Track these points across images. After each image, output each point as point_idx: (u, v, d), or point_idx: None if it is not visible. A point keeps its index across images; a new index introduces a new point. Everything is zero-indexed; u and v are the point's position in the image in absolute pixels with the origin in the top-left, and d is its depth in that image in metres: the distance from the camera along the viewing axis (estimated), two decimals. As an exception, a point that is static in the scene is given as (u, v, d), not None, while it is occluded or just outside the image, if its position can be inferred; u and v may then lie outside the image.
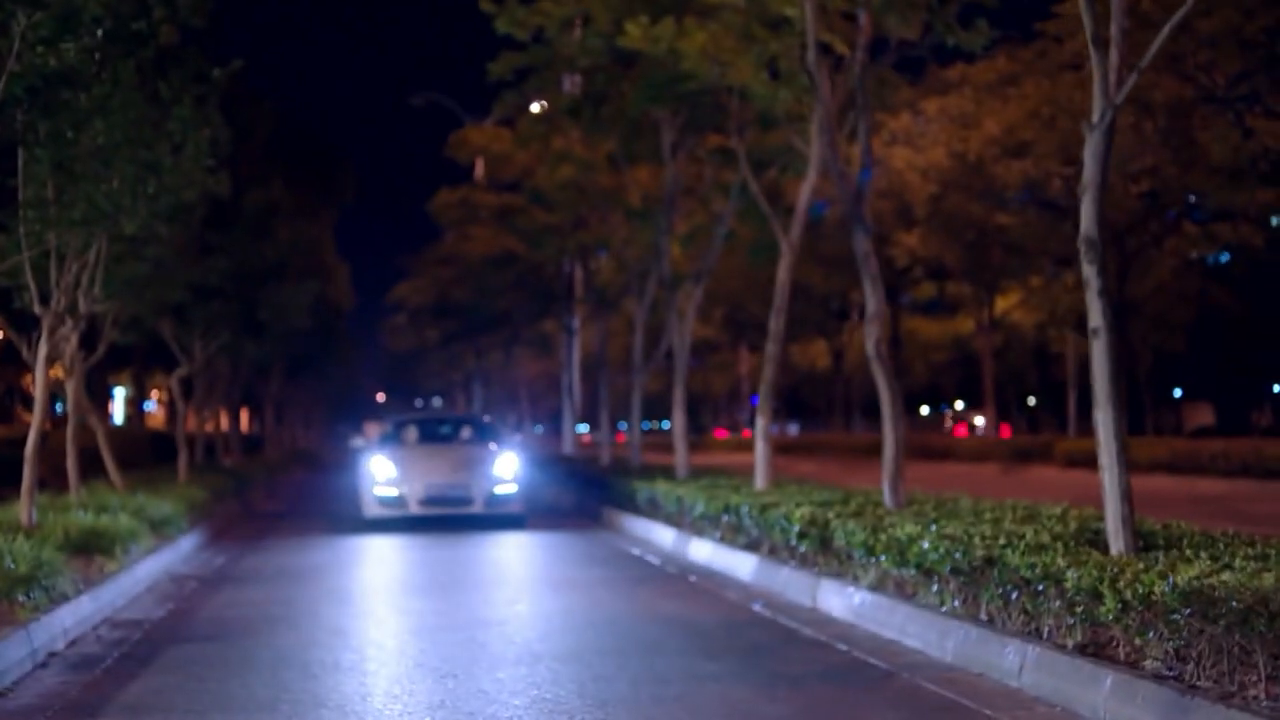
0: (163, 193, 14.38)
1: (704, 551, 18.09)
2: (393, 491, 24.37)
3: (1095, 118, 10.95)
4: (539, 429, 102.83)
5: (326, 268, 45.70)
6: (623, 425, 66.20)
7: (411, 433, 27.59)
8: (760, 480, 20.49)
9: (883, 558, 12.38)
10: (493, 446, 26.33)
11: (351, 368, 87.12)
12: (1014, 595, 10.19)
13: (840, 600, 13.07)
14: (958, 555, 10.84)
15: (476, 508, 24.35)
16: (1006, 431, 76.12)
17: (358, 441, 29.76)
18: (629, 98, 24.85)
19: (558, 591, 15.14)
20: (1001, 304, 58.44)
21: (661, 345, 32.24)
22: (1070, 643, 9.31)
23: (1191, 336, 64.97)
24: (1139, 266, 47.24)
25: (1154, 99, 34.71)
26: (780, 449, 74.08)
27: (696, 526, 19.20)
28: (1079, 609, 9.22)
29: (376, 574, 17.32)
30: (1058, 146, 39.30)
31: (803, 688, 9.63)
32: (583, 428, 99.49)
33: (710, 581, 15.97)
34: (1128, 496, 10.56)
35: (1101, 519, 12.27)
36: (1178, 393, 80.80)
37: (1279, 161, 35.46)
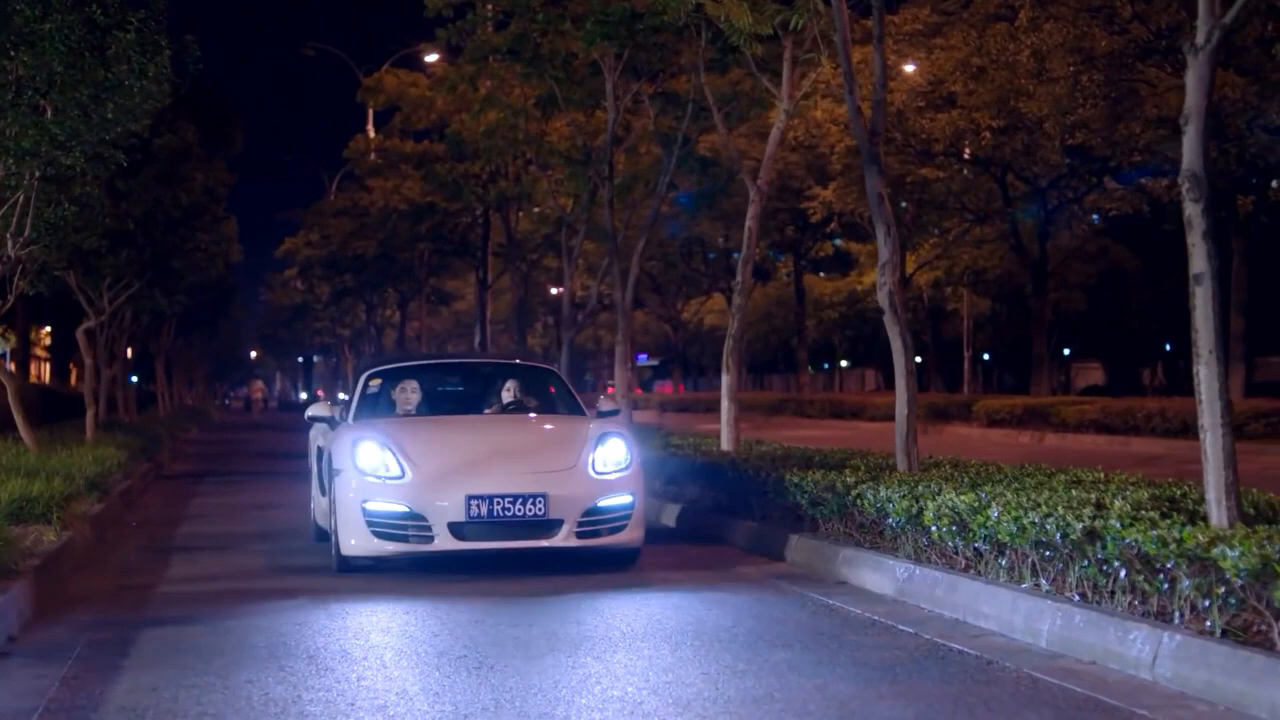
0: (120, 116, 13.10)
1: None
2: (399, 507, 12.81)
3: (1200, 39, 9.79)
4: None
5: (216, 219, 44.15)
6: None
7: (411, 391, 15.10)
8: (726, 442, 19.35)
9: (934, 528, 11.20)
10: (571, 418, 14.88)
11: (236, 324, 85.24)
12: (1123, 573, 9.04)
13: (878, 575, 11.87)
14: (1049, 526, 9.66)
15: (560, 537, 12.88)
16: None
17: (318, 411, 15.18)
18: (576, 35, 23.55)
19: None
20: (912, 260, 57.73)
21: (590, 300, 31.02)
22: (1218, 629, 8.16)
23: (1090, 295, 64.64)
24: (1060, 223, 46.54)
25: (1096, 49, 33.82)
26: (678, 408, 73.24)
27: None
28: (1233, 593, 8.07)
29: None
30: (990, 99, 38.31)
31: (899, 681, 8.44)
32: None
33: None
34: (1232, 463, 9.48)
35: (1164, 485, 11.32)
36: (1067, 351, 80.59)
37: (1214, 115, 34.66)
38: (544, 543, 12.89)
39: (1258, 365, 57.92)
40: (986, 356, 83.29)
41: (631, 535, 13.31)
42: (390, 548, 12.89)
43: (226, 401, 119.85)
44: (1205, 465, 9.50)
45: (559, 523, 12.86)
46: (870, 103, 15.22)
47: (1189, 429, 32.87)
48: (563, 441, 13.85)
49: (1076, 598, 9.46)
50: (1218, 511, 9.34)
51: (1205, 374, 9.63)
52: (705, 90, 21.53)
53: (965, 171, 45.66)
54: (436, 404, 15.32)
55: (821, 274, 77.01)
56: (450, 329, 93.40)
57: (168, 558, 14.88)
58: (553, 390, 15.68)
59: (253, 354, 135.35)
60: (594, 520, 13.05)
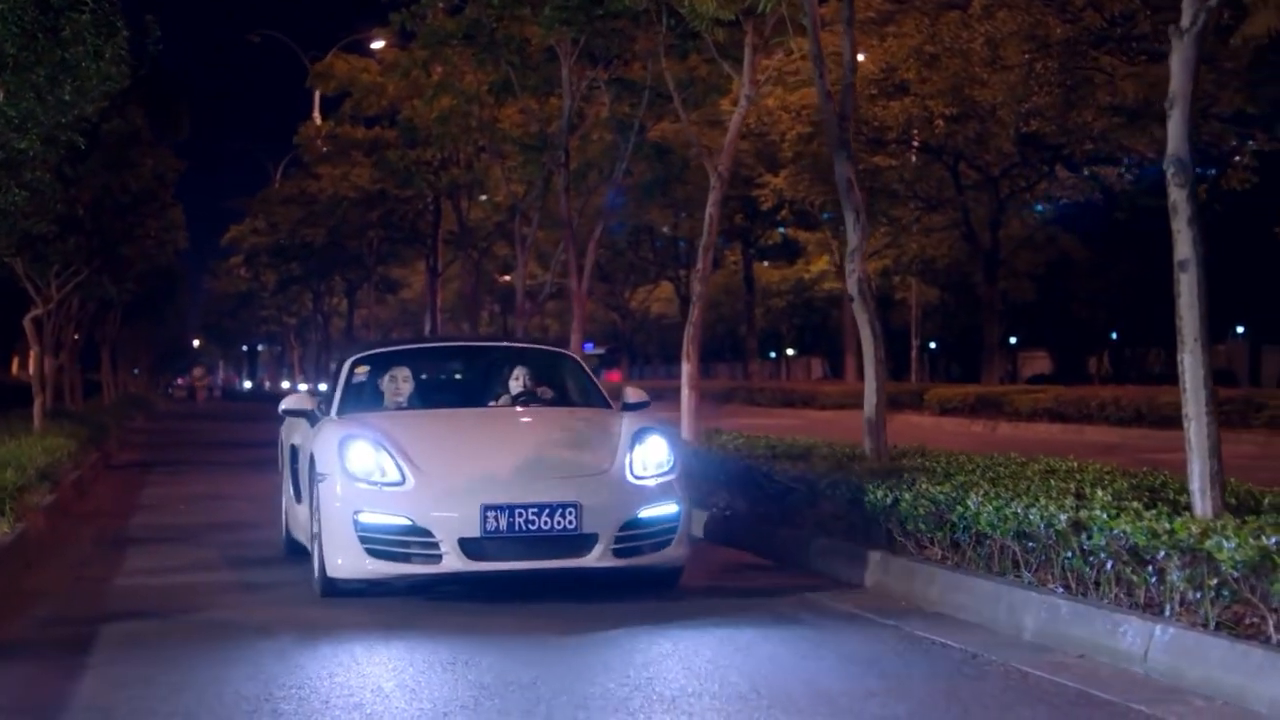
0: (78, 99, 12.82)
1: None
2: (399, 519, 10.78)
3: (1186, 21, 9.65)
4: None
5: (164, 205, 43.75)
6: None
7: (403, 380, 12.85)
8: (686, 432, 19.13)
9: (907, 519, 11.02)
10: (598, 411, 12.73)
11: (182, 312, 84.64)
12: (1109, 565, 8.87)
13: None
14: (1033, 517, 9.48)
15: (594, 556, 10.86)
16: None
17: (294, 404, 13.05)
18: (533, 21, 23.34)
19: None
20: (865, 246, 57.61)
21: (545, 288, 30.81)
22: (1211, 622, 8.00)
23: (1039, 284, 64.70)
24: (1012, 211, 46.51)
25: (1052, 37, 33.75)
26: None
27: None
28: (1226, 585, 7.91)
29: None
30: (943, 87, 38.19)
31: (890, 674, 8.27)
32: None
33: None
34: (1217, 452, 9.32)
35: (1142, 474, 11.17)
36: (1013, 340, 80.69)
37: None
38: (575, 562, 10.76)
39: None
40: (933, 345, 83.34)
41: (676, 553, 11.20)
42: (388, 569, 10.72)
43: (170, 390, 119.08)
44: (1189, 454, 9.34)
45: (593, 538, 10.72)
46: (840, 87, 14.95)
47: (1143, 417, 32.91)
48: (594, 440, 11.63)
49: (1060, 589, 9.30)
50: (1202, 501, 9.19)
51: (1190, 362, 9.47)
52: (666, 76, 21.32)
53: (914, 158, 45.55)
54: (434, 395, 13.13)
55: (766, 263, 76.87)
56: (396, 317, 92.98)
57: (123, 550, 14.59)
58: (572, 378, 13.38)
59: (195, 343, 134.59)
60: (634, 535, 10.94)
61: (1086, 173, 46.24)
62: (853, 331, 58.04)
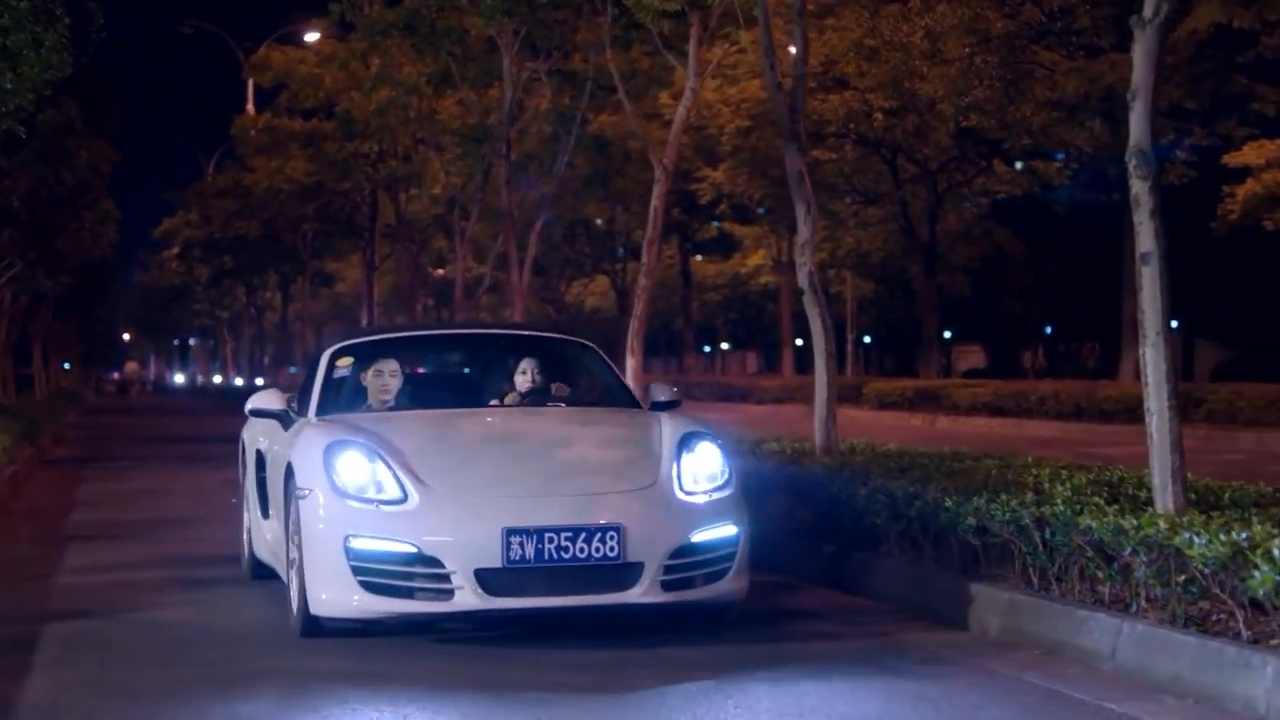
0: (20, 87, 12.60)
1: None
2: (402, 546, 8.98)
3: (1148, 12, 9.57)
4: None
5: (99, 198, 43.40)
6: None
7: (390, 375, 10.88)
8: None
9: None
10: (630, 412, 10.89)
11: (114, 306, 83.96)
12: (1073, 561, 8.77)
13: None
14: (995, 512, 9.38)
15: (640, 590, 9.07)
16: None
17: (263, 403, 10.93)
18: (473, 12, 23.18)
19: None
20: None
21: (485, 281, 30.66)
22: (1180, 619, 7.91)
23: (974, 278, 64.86)
24: (950, 205, 46.57)
25: (993, 31, 33.76)
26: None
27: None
28: (1195, 582, 7.81)
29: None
30: (883, 80, 38.17)
31: (833, 664, 8.13)
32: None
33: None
34: (1179, 447, 9.25)
35: (1098, 469, 11.09)
36: (948, 334, 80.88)
37: (1110, 97, 34.71)
38: (616, 598, 8.95)
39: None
40: (868, 339, 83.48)
41: (735, 585, 9.38)
42: (387, 606, 8.86)
43: (101, 385, 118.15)
44: (1151, 449, 9.27)
45: (637, 569, 8.92)
46: (791, 78, 14.85)
47: (1083, 412, 32.96)
48: (632, 447, 9.84)
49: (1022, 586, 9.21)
50: (1163, 496, 9.10)
51: (1152, 355, 9.45)
52: (611, 68, 21.19)
53: (850, 150, 45.53)
54: (427, 392, 11.15)
55: (699, 257, 76.81)
56: (329, 311, 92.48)
57: (64, 547, 14.35)
58: (592, 372, 11.55)
59: (125, 336, 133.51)
60: (685, 564, 9.14)
61: (1020, 166, 46.34)
62: (790, 325, 58.21)
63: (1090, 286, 57.24)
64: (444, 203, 35.48)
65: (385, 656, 8.79)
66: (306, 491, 9.19)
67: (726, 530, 9.32)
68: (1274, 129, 36.99)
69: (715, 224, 66.61)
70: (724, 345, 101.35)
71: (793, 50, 19.85)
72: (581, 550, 8.81)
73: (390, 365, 10.77)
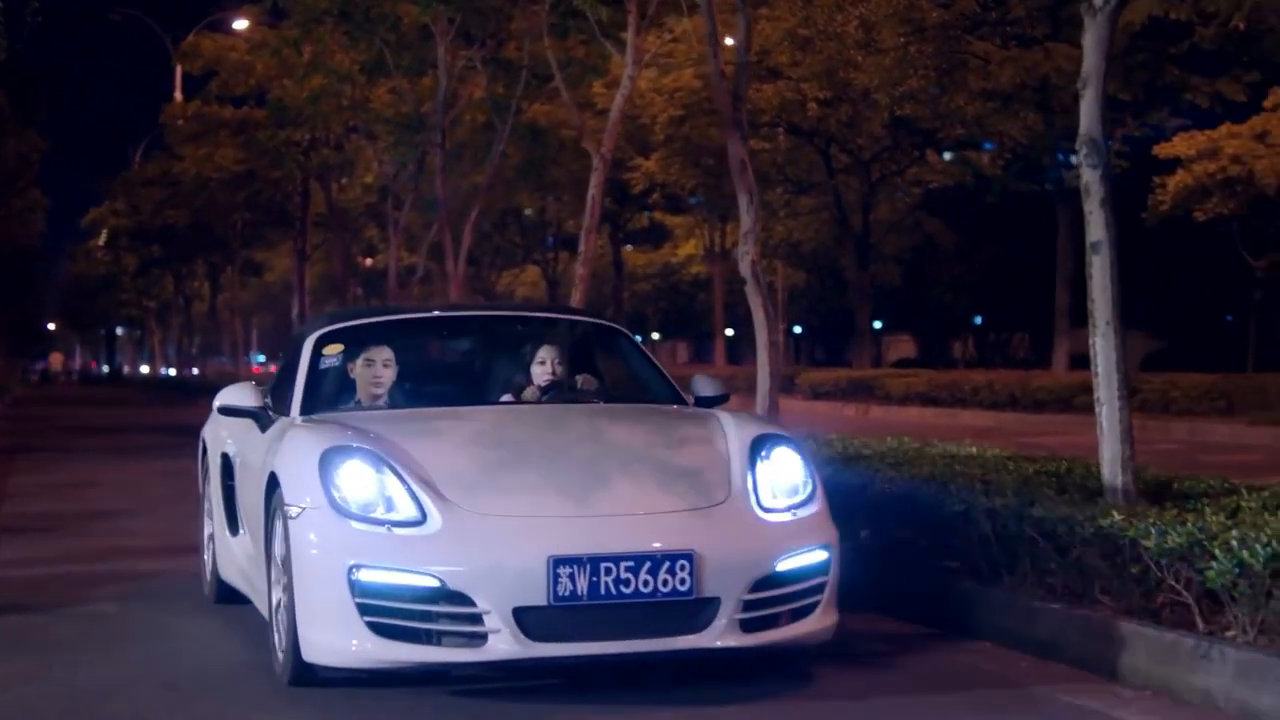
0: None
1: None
2: (422, 579, 7.15)
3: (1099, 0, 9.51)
4: (260, 359, 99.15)
5: (28, 186, 42.97)
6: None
7: (384, 365, 9.09)
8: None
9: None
10: (679, 410, 9.15)
11: (39, 295, 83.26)
12: (1018, 550, 8.71)
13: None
14: (947, 503, 9.29)
15: (716, 631, 7.29)
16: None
17: (235, 399, 9.09)
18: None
19: None
20: (733, 232, 57.64)
21: (417, 271, 30.46)
22: (1136, 610, 7.84)
23: (904, 268, 65.02)
24: (883, 195, 46.60)
25: (927, 21, 33.76)
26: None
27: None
28: (1150, 573, 7.75)
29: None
30: (817, 70, 38.14)
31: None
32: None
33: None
34: (1129, 437, 9.21)
35: (1044, 460, 11.05)
36: (878, 324, 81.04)
37: (1044, 88, 34.85)
38: (688, 642, 7.25)
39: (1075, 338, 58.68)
40: (798, 329, 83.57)
41: (824, 622, 7.70)
42: (401, 653, 7.14)
43: (26, 375, 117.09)
44: (1101, 439, 9.24)
45: (713, 605, 7.25)
46: (734, 66, 14.77)
47: (1017, 401, 33.08)
48: (695, 454, 8.04)
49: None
50: (1114, 486, 9.08)
51: (1102, 345, 9.36)
52: (549, 55, 21.07)
53: (783, 140, 45.52)
54: (427, 385, 9.43)
55: (629, 246, 76.71)
56: (259, 301, 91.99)
57: (-5, 540, 14.11)
58: (625, 361, 9.79)
59: (51, 326, 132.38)
60: (769, 598, 7.46)
61: (951, 156, 46.47)
62: (722, 315, 58.21)
63: (1021, 277, 57.52)
64: (377, 192, 35.34)
65: (394, 711, 7.25)
66: (297, 509, 7.39)
67: (815, 555, 7.62)
68: (1205, 120, 37.20)
69: (647, 214, 66.55)
70: (655, 335, 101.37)
71: (730, 42, 19.80)
72: (645, 584, 7.10)
73: (384, 353, 9.00)
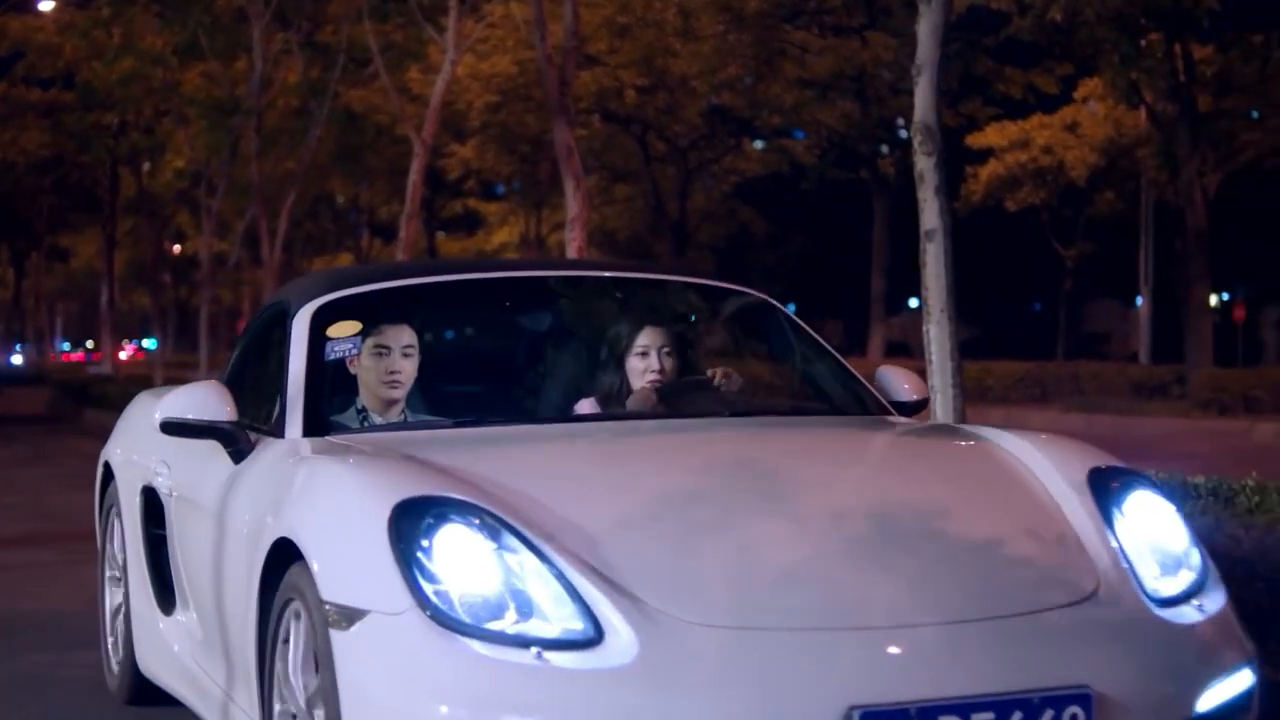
0: None
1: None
2: None
3: (934, -13, 9.49)
4: (65, 346, 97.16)
5: None
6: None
7: (404, 353, 5.61)
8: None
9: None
10: (922, 432, 5.96)
11: None
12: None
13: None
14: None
15: None
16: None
17: (195, 408, 5.32)
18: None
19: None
20: (549, 220, 57.55)
21: (232, 257, 30.02)
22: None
23: (719, 256, 65.36)
24: (699, 183, 46.68)
25: (746, 9, 33.86)
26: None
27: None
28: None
29: None
30: (635, 58, 38.11)
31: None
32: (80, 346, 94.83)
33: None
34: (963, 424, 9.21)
35: None
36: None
37: (860, 77, 35.13)
38: None
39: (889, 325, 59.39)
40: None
41: None
42: None
43: None
44: (935, 428, 9.21)
45: None
46: (560, 51, 14.64)
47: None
48: (1013, 503, 4.84)
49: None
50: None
51: (936, 333, 9.34)
52: (370, 39, 20.83)
53: (599, 126, 45.46)
54: (460, 386, 6.10)
55: (443, 233, 76.42)
56: (63, 287, 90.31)
57: None
58: (780, 351, 6.43)
59: None
60: None
61: (764, 145, 46.72)
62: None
63: (836, 265, 58.05)
64: (189, 177, 34.76)
65: None
66: (353, 614, 4.13)
67: (1238, 681, 4.48)
68: (1017, 110, 37.69)
69: (462, 201, 66.33)
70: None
71: (554, 27, 19.68)
72: None
73: (403, 336, 5.68)
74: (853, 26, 34.71)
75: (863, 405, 6.04)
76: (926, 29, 9.63)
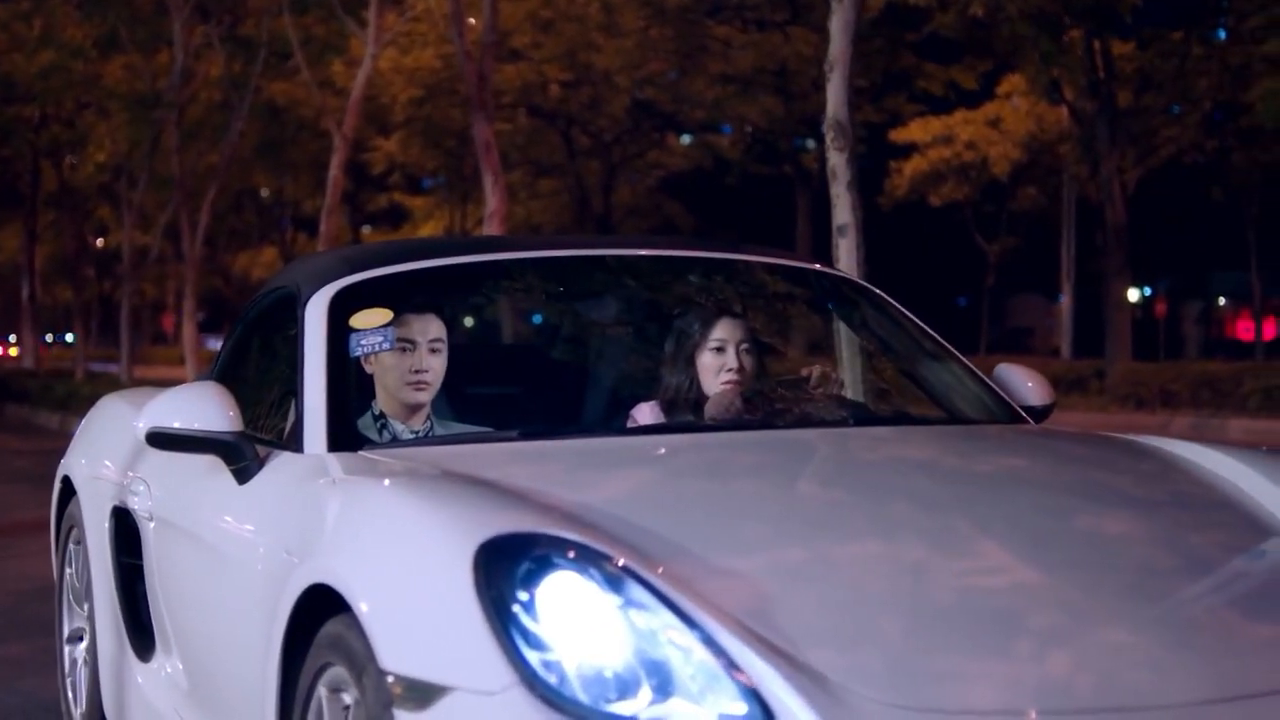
0: None
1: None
2: None
3: (846, -16, 9.59)
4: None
5: None
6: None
7: (430, 349, 4.52)
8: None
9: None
10: (1085, 443, 4.82)
11: None
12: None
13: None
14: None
15: None
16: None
17: (185, 415, 4.23)
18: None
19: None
20: (474, 214, 57.47)
21: (153, 251, 29.91)
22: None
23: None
24: (624, 178, 46.74)
25: (668, 4, 33.96)
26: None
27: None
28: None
29: None
30: (559, 52, 38.17)
31: None
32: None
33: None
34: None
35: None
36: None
37: (783, 72, 35.23)
38: None
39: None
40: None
41: None
42: None
43: None
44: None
45: None
46: (479, 47, 14.67)
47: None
48: (1244, 535, 3.79)
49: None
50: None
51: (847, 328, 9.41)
52: (290, 32, 20.81)
53: (523, 121, 45.50)
54: (492, 390, 5.28)
55: (368, 228, 76.22)
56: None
57: None
58: (884, 345, 5.72)
59: None
60: None
61: (690, 139, 46.86)
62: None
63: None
64: (110, 170, 34.58)
65: None
66: (430, 688, 3.04)
67: None
68: (940, 106, 37.91)
69: (386, 195, 66.22)
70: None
71: (473, 22, 19.69)
72: None
73: (429, 328, 4.63)
74: (775, 21, 34.81)
75: (991, 411, 5.10)
76: (838, 26, 9.73)
